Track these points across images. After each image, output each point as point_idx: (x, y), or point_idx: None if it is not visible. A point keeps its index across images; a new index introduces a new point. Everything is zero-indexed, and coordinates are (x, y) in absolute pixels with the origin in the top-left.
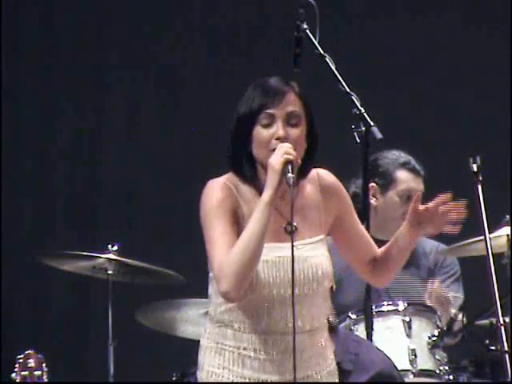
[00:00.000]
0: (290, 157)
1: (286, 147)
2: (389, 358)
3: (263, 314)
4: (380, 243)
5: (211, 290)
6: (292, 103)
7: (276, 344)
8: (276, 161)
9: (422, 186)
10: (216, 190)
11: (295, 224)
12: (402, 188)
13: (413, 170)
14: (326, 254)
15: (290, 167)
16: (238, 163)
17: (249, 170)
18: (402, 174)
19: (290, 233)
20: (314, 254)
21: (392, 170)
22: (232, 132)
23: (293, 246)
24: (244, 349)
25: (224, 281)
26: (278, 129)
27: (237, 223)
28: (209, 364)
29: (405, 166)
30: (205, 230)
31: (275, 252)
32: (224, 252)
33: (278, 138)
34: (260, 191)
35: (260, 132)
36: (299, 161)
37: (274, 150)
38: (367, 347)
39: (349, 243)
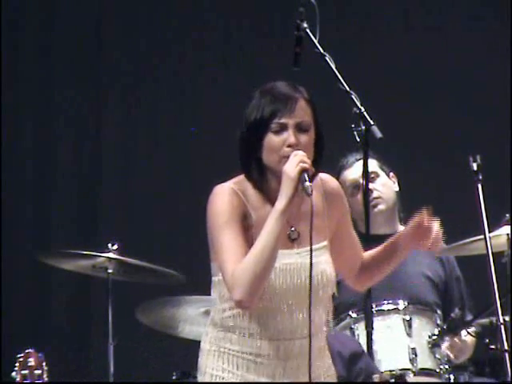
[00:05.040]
0: (306, 165)
1: (301, 155)
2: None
3: (269, 320)
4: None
5: (215, 294)
6: (303, 111)
7: (281, 349)
8: (291, 169)
9: (371, 167)
10: (225, 197)
11: (297, 230)
12: (346, 187)
13: (345, 167)
14: (329, 261)
15: (306, 176)
16: (247, 169)
17: (258, 175)
18: (342, 176)
19: (294, 240)
20: (318, 261)
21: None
22: (241, 138)
23: (311, 252)
24: (249, 353)
25: (238, 290)
26: (290, 136)
27: (246, 230)
28: (212, 367)
29: (341, 168)
30: (214, 236)
31: (282, 259)
32: (236, 260)
33: (289, 145)
34: (269, 197)
35: (271, 139)
36: (312, 169)
37: (285, 156)
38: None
39: (342, 249)
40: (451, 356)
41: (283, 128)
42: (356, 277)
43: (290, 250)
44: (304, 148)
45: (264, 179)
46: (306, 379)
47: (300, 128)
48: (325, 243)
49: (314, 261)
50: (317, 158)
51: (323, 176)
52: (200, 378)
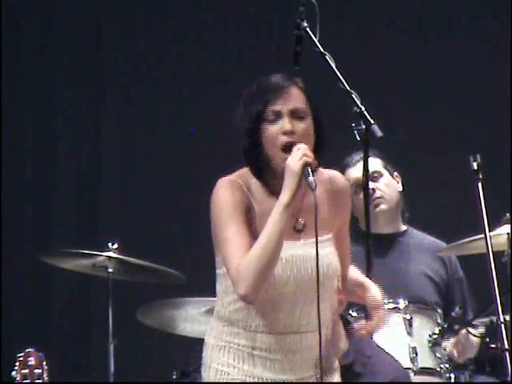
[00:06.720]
0: (309, 159)
1: (304, 149)
2: (400, 365)
3: (275, 314)
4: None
5: (220, 288)
6: (296, 98)
7: (286, 343)
8: (294, 163)
9: (375, 166)
10: (229, 189)
11: (303, 221)
12: (350, 185)
13: (349, 165)
14: (334, 252)
15: (309, 170)
16: (250, 162)
17: (261, 168)
18: (345, 175)
19: (299, 231)
20: (324, 253)
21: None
22: (240, 131)
23: (317, 244)
24: (254, 348)
25: (242, 284)
26: (285, 123)
27: (249, 223)
28: (217, 362)
29: (345, 166)
30: (218, 229)
31: (288, 250)
32: (240, 254)
33: (285, 133)
34: (272, 190)
35: (267, 128)
36: (316, 162)
37: (282, 145)
38: (379, 351)
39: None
40: (455, 354)
41: (278, 116)
42: None
43: (295, 241)
44: (301, 136)
45: (267, 172)
46: (311, 373)
47: (295, 115)
48: (329, 236)
49: (319, 252)
50: (318, 145)
51: (332, 173)
52: (204, 373)
